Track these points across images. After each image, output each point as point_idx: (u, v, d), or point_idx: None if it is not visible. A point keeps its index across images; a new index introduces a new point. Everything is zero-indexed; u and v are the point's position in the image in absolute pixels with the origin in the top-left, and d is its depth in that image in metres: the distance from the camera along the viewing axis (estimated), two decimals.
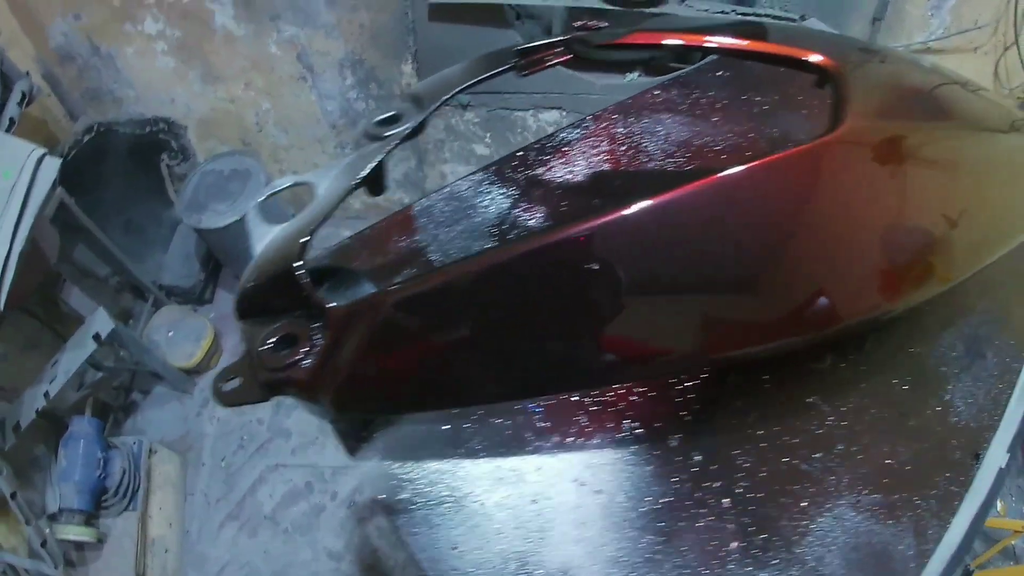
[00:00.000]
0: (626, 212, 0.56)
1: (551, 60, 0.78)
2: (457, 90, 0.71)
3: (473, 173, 0.95)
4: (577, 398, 0.72)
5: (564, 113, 2.09)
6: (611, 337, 0.62)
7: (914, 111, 0.77)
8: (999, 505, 2.59)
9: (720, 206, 0.61)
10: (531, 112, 2.10)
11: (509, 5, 1.92)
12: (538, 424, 0.71)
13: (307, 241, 0.59)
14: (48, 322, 2.13)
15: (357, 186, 0.65)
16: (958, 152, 0.77)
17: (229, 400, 0.58)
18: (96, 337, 1.88)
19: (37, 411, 1.84)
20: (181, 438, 2.25)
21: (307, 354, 0.57)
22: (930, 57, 2.27)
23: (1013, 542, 2.34)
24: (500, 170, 0.94)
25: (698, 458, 0.70)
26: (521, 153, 0.97)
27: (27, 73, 1.90)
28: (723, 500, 0.67)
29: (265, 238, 0.66)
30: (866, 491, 0.69)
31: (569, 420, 0.71)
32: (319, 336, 0.58)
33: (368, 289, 0.73)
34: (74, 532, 1.87)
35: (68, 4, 1.97)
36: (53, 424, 2.03)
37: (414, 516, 0.65)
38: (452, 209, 0.91)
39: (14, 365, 1.99)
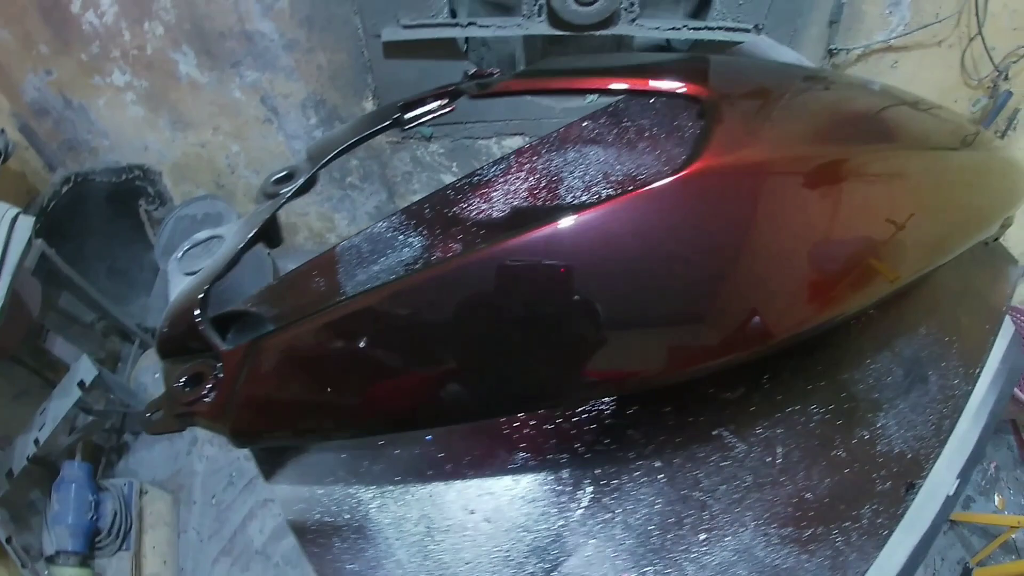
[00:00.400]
0: (475, 258, 0.61)
1: (435, 112, 0.82)
2: (341, 148, 0.77)
3: (395, 213, 0.98)
4: (472, 428, 0.75)
5: (527, 139, 2.15)
6: (485, 370, 0.64)
7: (838, 136, 0.77)
8: (997, 500, 2.60)
9: (591, 238, 0.62)
10: (494, 140, 2.17)
11: (464, 38, 1.98)
12: (432, 453, 0.74)
13: (204, 296, 0.67)
14: (38, 370, 2.21)
15: (252, 241, 0.72)
16: (892, 172, 0.77)
17: (154, 429, 0.67)
18: (81, 384, 1.96)
19: (28, 458, 1.93)
20: (172, 476, 2.33)
21: (209, 391, 0.64)
22: (892, 55, 2.29)
23: (1012, 536, 2.33)
24: (420, 210, 0.97)
25: (590, 489, 0.71)
26: (440, 193, 0.99)
27: (2, 130, 1.99)
28: (614, 531, 0.68)
29: (179, 287, 0.74)
30: (776, 524, 0.69)
31: (462, 450, 0.74)
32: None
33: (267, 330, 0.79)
34: (70, 574, 1.94)
35: (39, 61, 2.07)
36: (47, 469, 2.10)
37: (317, 538, 0.70)
38: (371, 249, 0.94)
39: (6, 413, 2.08)
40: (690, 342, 0.67)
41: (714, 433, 0.75)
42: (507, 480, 0.72)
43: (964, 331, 0.91)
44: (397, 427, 0.70)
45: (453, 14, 1.91)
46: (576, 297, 0.63)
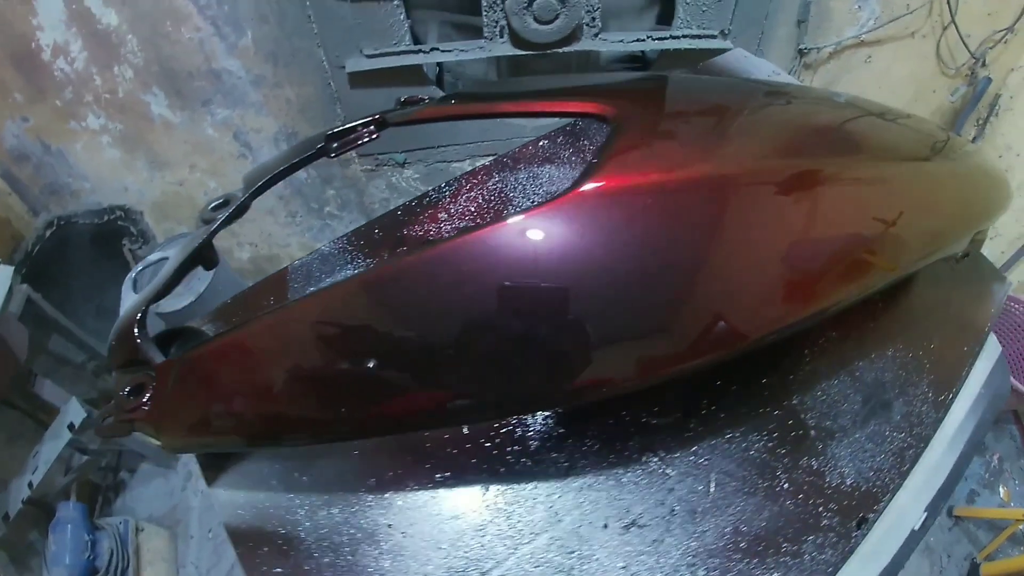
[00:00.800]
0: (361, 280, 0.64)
1: (364, 139, 0.86)
2: (270, 177, 0.82)
3: (346, 235, 1.02)
4: (397, 444, 0.77)
5: None
6: (404, 389, 0.64)
7: (784, 150, 0.73)
8: (1002, 492, 2.58)
9: (489, 255, 0.61)
10: (468, 162, 2.20)
11: (436, 62, 2.00)
12: (358, 467, 0.77)
13: (142, 316, 0.73)
14: (31, 412, 2.26)
15: (189, 263, 0.78)
16: (842, 182, 0.72)
17: (103, 433, 0.72)
18: (71, 426, 2.01)
19: (23, 500, 1.98)
20: (169, 512, 2.37)
21: (148, 400, 0.70)
22: (865, 50, 2.29)
23: (1020, 527, 2.32)
24: (369, 231, 1.01)
25: (508, 510, 0.72)
26: (390, 214, 1.03)
27: None
28: (530, 553, 0.69)
29: (128, 304, 0.79)
30: (704, 555, 0.67)
31: (386, 465, 0.76)
32: None
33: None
34: None
35: (14, 109, 2.12)
36: (44, 510, 2.15)
37: (248, 542, 0.73)
38: (320, 269, 0.99)
39: (1, 457, 2.12)
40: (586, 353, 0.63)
41: (642, 459, 0.75)
42: (426, 496, 0.74)
43: (937, 354, 0.87)
44: (306, 439, 0.72)
45: (416, 40, 1.94)
46: (479, 308, 0.62)
